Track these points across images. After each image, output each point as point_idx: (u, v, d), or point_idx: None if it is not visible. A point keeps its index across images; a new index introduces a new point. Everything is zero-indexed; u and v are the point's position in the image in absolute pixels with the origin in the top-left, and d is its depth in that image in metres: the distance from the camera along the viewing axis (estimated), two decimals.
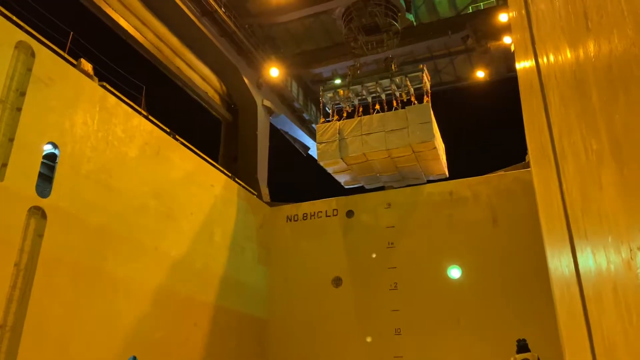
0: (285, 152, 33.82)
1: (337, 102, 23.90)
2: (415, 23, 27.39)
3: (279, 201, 25.13)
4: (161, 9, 22.10)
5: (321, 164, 22.49)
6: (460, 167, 25.33)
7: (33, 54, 12.85)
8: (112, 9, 19.84)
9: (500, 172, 21.62)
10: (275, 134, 31.39)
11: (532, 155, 17.17)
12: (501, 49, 27.34)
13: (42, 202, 12.54)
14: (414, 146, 20.79)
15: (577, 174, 3.67)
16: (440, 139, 23.07)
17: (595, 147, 2.60)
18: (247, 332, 21.20)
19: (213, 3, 23.41)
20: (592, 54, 2.51)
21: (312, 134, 32.56)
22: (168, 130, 18.31)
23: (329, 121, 22.89)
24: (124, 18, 20.36)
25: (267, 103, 27.67)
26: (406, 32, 26.36)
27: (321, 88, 24.43)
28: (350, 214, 22.98)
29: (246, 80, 26.36)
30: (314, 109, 34.10)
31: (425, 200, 21.86)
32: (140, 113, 16.92)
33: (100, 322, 13.95)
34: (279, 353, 21.81)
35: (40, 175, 12.88)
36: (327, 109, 24.67)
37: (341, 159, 21.78)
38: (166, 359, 16.36)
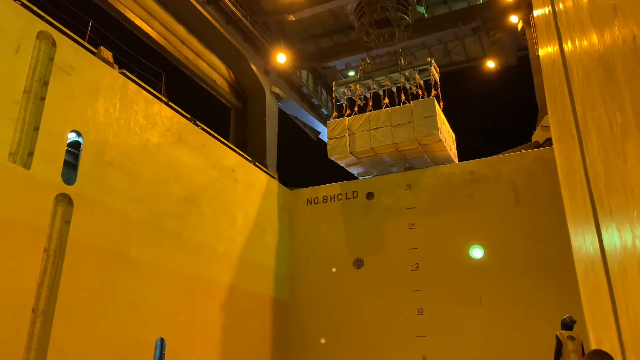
0: (297, 136, 34.11)
1: (350, 96, 24.73)
2: (426, 15, 27.75)
3: (290, 186, 25.27)
4: None
5: (332, 158, 23.43)
6: (471, 148, 26.09)
7: (54, 44, 13.01)
8: (119, 1, 19.96)
9: (523, 151, 21.36)
10: (287, 119, 31.66)
11: (554, 131, 16.92)
12: (512, 38, 27.47)
13: (68, 189, 12.81)
14: (420, 139, 21.51)
15: (601, 147, 3.63)
16: (449, 130, 23.62)
17: (619, 119, 2.57)
18: (270, 314, 21.50)
19: (229, 4, 23.72)
20: (615, 25, 2.47)
21: (322, 119, 32.99)
22: (188, 116, 18.45)
23: (341, 111, 24.02)
24: (130, 9, 20.47)
25: (275, 89, 27.79)
26: (417, 24, 26.81)
27: (334, 83, 25.26)
28: (370, 195, 22.99)
29: (253, 67, 26.42)
30: (324, 93, 34.21)
31: (445, 181, 21.73)
32: (160, 99, 17.07)
33: (127, 305, 14.27)
34: (301, 334, 22.10)
35: (65, 163, 13.12)
36: (341, 100, 25.30)
37: (350, 153, 22.75)
38: (192, 341, 16.71)
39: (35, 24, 12.65)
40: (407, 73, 23.65)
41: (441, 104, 22.90)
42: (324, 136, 33.33)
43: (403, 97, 23.10)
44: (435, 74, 23.63)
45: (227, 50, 25.43)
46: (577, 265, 15.49)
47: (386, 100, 23.39)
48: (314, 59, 30.94)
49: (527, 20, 24.04)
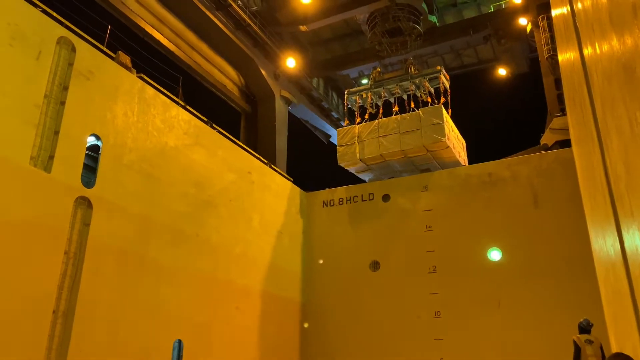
0: (311, 139, 34.55)
1: (361, 104, 25.56)
2: (438, 24, 28.59)
3: (305, 188, 25.44)
4: (176, 6, 22.60)
5: (342, 165, 24.11)
6: (476, 151, 26.54)
7: (74, 49, 13.21)
8: (129, 8, 20.24)
9: (542, 152, 21.12)
10: (300, 122, 32.20)
11: (573, 132, 16.71)
12: (523, 46, 27.98)
13: (88, 192, 12.98)
14: (428, 146, 22.11)
15: (622, 148, 3.58)
16: (458, 136, 24.24)
17: None
18: (286, 316, 21.54)
19: (239, 10, 24.36)
20: (635, 25, 2.44)
21: (333, 122, 33.56)
22: (205, 119, 18.59)
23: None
24: (140, 17, 20.74)
25: (284, 93, 28.23)
26: (429, 32, 27.72)
27: (346, 92, 26.14)
28: (386, 197, 22.92)
29: (263, 72, 26.87)
30: (334, 97, 34.82)
31: (463, 182, 21.57)
32: (177, 103, 17.22)
33: (146, 307, 14.41)
34: (317, 336, 22.09)
35: (85, 166, 13.30)
36: (352, 108, 26.09)
37: (360, 160, 23.47)
38: (209, 342, 16.81)
39: (55, 30, 12.85)
40: (417, 81, 24.36)
41: (450, 111, 23.45)
42: (335, 139, 33.87)
43: (413, 105, 23.65)
44: (445, 81, 24.29)
45: (237, 55, 25.87)
46: (597, 268, 15.25)
47: (396, 108, 24.02)
48: (328, 68, 31.80)
49: (536, 22, 24.31)
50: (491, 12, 28.62)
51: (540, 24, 23.80)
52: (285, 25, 27.89)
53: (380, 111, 24.54)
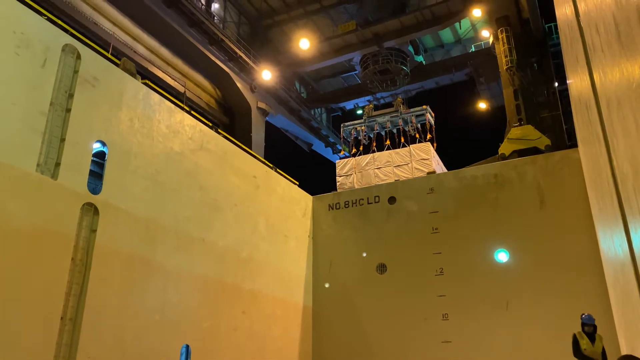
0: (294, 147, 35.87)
1: (355, 135, 29.03)
2: (424, 62, 32.77)
3: (309, 192, 25.82)
4: (149, 24, 23.00)
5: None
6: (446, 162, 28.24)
7: (79, 56, 13.27)
8: (103, 28, 20.36)
9: (548, 152, 21.04)
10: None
11: (579, 133, 16.67)
12: (500, 84, 29.57)
13: (94, 199, 13.02)
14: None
15: (628, 148, 3.55)
16: (443, 168, 26.87)
17: None
18: (292, 320, 21.51)
19: (211, 26, 25.09)
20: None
21: (313, 131, 35.23)
22: (210, 124, 18.64)
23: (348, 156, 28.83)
24: (114, 35, 20.92)
25: (261, 105, 29.10)
26: (416, 70, 31.78)
27: (342, 125, 29.47)
28: (392, 200, 22.91)
29: (239, 85, 27.56)
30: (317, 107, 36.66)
31: (469, 184, 21.51)
32: (182, 109, 17.28)
33: (153, 312, 14.42)
34: (324, 340, 22.05)
35: (91, 172, 13.34)
36: (347, 139, 29.74)
37: (358, 189, 25.70)
38: (216, 347, 16.81)
39: (60, 38, 12.91)
40: (405, 118, 27.74)
41: (435, 145, 26.18)
42: (316, 148, 36.80)
43: (403, 140, 26.84)
44: (430, 119, 27.37)
45: (212, 69, 26.54)
46: (605, 268, 15.19)
47: (388, 142, 27.20)
48: (325, 101, 35.51)
49: (496, 34, 26.01)
50: (472, 52, 31.75)
51: (500, 37, 25.29)
52: (286, 66, 30.68)
53: (374, 143, 27.68)
